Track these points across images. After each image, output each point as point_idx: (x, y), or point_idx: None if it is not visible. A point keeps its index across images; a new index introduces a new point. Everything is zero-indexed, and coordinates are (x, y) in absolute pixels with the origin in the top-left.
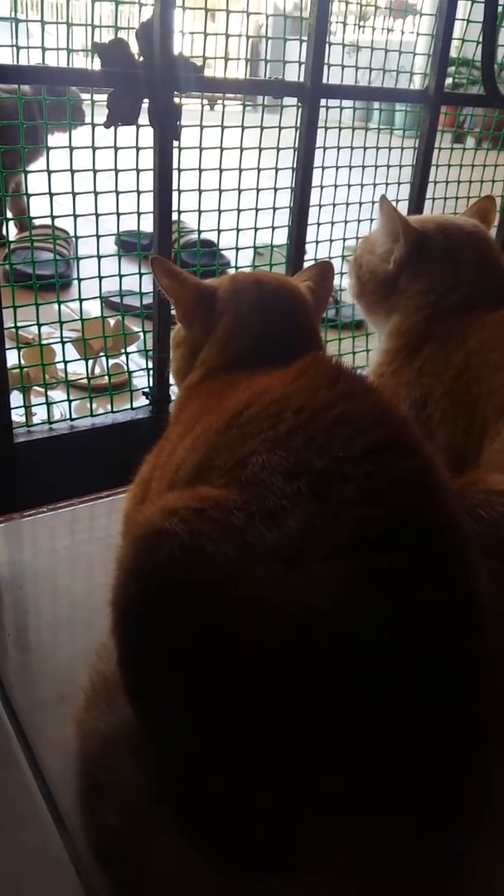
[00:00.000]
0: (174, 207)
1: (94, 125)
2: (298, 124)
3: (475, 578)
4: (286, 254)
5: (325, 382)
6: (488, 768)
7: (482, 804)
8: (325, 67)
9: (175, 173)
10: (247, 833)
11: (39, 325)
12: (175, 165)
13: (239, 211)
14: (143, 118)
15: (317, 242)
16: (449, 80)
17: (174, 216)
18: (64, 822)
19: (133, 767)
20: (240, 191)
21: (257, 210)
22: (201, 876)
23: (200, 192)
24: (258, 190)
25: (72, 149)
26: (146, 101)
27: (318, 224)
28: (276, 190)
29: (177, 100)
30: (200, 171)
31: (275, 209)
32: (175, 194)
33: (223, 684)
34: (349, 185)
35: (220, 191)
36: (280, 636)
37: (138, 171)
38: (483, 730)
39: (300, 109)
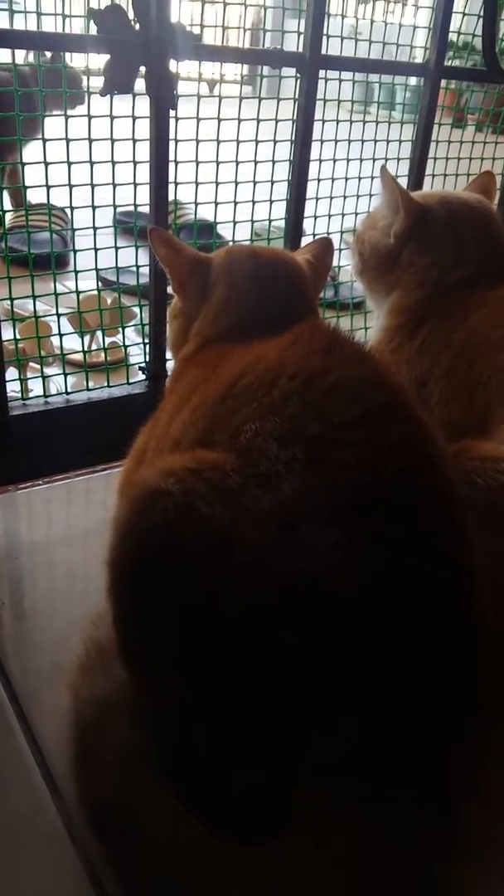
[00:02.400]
0: (171, 179)
1: (89, 93)
2: (297, 96)
3: (471, 547)
4: (284, 228)
5: (320, 349)
6: (485, 735)
7: (479, 771)
8: (325, 39)
9: (172, 144)
10: (241, 795)
11: (35, 298)
12: (172, 136)
13: (237, 183)
14: (141, 89)
15: (315, 217)
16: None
17: (171, 192)
18: (57, 788)
19: (127, 732)
20: (237, 162)
21: (255, 182)
22: (195, 840)
23: (197, 163)
24: (256, 162)
25: (67, 117)
26: (143, 69)
27: (317, 199)
28: (273, 162)
29: (174, 69)
30: (197, 141)
31: (273, 182)
32: (172, 165)
33: (217, 644)
34: (348, 160)
35: (218, 162)
36: (274, 598)
37: (135, 141)
38: (480, 698)
39: (299, 81)
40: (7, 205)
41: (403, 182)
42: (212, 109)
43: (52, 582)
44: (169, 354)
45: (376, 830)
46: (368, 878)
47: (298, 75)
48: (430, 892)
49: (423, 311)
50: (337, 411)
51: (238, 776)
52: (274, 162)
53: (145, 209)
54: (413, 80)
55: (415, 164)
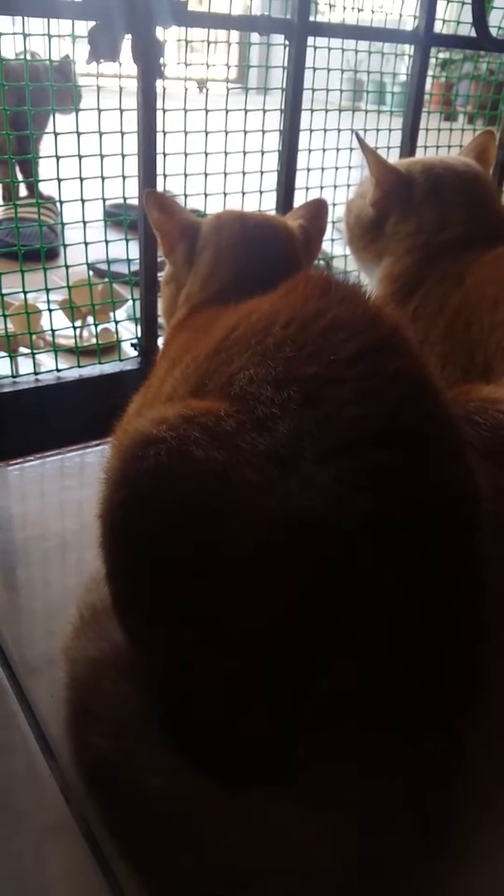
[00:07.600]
0: (160, 172)
1: (76, 86)
2: (286, 64)
3: (472, 475)
4: None
5: (315, 294)
6: (489, 666)
7: (483, 703)
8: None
9: (160, 136)
10: (243, 742)
11: (25, 293)
12: (160, 128)
13: (226, 174)
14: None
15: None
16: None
17: (160, 184)
18: (51, 749)
19: (121, 689)
20: (226, 153)
21: (244, 173)
22: (192, 793)
23: (186, 154)
24: (245, 153)
25: (55, 110)
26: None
27: (307, 189)
28: (263, 153)
29: (160, 36)
30: (185, 133)
31: (262, 172)
32: (160, 158)
33: (215, 587)
34: (336, 168)
35: (206, 153)
36: (272, 537)
37: (122, 133)
38: (484, 628)
39: (287, 48)
40: None
41: None
42: (199, 102)
43: (45, 553)
44: (161, 331)
45: (378, 773)
46: (371, 826)
47: (287, 42)
48: (434, 837)
49: (416, 277)
50: (333, 350)
51: (240, 720)
52: (263, 153)
53: (135, 202)
54: (403, 77)
55: (405, 149)
